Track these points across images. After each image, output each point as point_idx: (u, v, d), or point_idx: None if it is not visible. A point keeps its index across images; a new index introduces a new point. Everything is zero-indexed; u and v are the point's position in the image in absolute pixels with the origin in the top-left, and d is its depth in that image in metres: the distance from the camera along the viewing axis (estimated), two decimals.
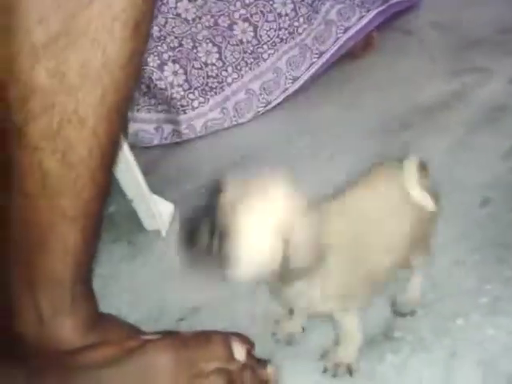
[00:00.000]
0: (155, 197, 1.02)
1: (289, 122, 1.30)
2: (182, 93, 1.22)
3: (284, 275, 0.61)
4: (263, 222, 0.59)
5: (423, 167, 0.72)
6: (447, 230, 0.90)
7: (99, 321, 0.69)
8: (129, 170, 0.96)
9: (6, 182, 0.60)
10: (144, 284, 0.94)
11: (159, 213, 1.01)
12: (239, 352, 0.67)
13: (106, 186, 0.66)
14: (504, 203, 0.93)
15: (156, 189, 1.05)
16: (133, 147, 1.20)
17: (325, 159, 1.15)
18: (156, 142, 1.27)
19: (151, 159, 1.23)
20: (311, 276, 0.64)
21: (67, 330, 0.65)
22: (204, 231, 0.60)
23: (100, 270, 0.97)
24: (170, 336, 0.66)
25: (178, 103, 1.23)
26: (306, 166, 1.15)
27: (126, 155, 0.95)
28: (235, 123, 1.29)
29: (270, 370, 0.70)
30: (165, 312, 0.86)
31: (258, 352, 0.71)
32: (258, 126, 1.30)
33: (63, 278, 0.64)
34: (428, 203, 0.70)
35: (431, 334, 0.73)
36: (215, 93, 1.25)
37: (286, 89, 1.31)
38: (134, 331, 0.71)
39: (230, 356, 0.66)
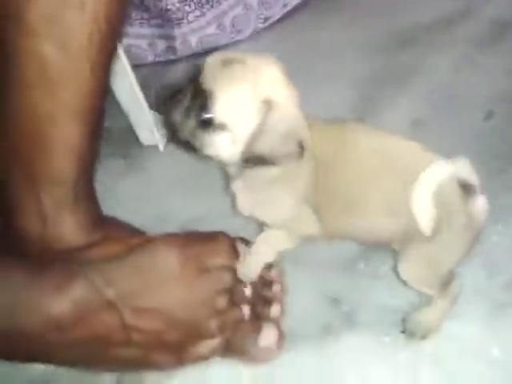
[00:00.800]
0: (153, 112, 0.99)
1: (288, 40, 1.25)
2: (178, 4, 1.16)
3: (247, 157, 0.57)
4: (243, 89, 0.56)
5: (467, 187, 0.56)
6: (451, 142, 0.89)
7: (102, 221, 0.68)
8: (125, 81, 0.93)
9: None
10: (141, 197, 0.93)
11: (157, 128, 0.99)
12: (244, 252, 0.67)
13: (106, 82, 0.64)
14: (507, 117, 0.92)
15: (151, 106, 1.02)
16: None
17: (323, 79, 1.12)
18: (150, 58, 1.22)
19: (145, 75, 1.18)
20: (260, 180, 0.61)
21: (70, 228, 0.64)
22: (186, 94, 0.58)
23: (96, 183, 0.96)
24: (174, 234, 0.65)
25: (173, 16, 1.17)
26: (302, 85, 1.11)
27: (123, 64, 0.91)
28: (232, 40, 1.24)
29: (274, 272, 0.71)
30: (165, 221, 0.85)
31: None
32: (255, 44, 1.25)
33: (66, 175, 0.63)
34: (422, 223, 0.55)
35: None
36: (212, 6, 1.19)
37: (286, 4, 1.26)
38: (137, 232, 0.70)
39: (235, 255, 0.65)
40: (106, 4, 0.56)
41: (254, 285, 0.67)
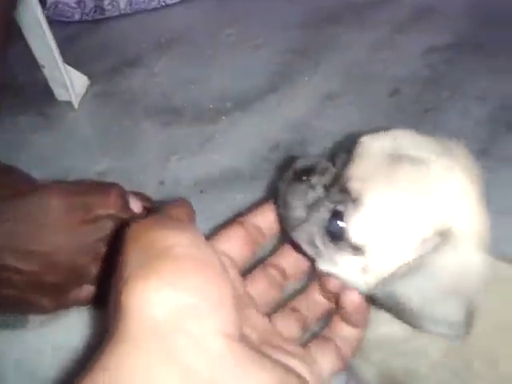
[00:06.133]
0: (69, 67, 0.98)
1: (219, 7, 1.26)
2: None
3: (378, 296, 0.38)
4: (409, 207, 0.36)
5: None
6: (357, 116, 0.94)
7: None
8: (40, 34, 0.91)
9: None
10: (53, 152, 0.93)
11: (72, 83, 0.98)
12: (135, 204, 0.68)
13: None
14: (412, 95, 0.96)
15: (73, 63, 1.01)
16: (51, 20, 1.14)
17: (251, 48, 1.14)
18: (77, 17, 1.21)
19: (71, 33, 1.17)
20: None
21: None
22: (319, 181, 0.40)
23: (7, 138, 0.95)
24: (65, 182, 0.66)
25: None
26: (231, 54, 1.13)
27: (37, 18, 0.89)
28: (163, 4, 1.24)
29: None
30: (73, 176, 0.85)
31: None
32: (186, 9, 1.25)
33: None
34: None
35: None
36: None
37: None
38: (28, 179, 0.70)
39: (125, 206, 0.66)
40: None
41: None
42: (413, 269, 0.36)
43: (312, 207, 0.39)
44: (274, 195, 0.41)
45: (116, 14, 1.21)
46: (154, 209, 0.73)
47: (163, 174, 0.84)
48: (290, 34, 1.15)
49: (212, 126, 0.94)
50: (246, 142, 0.90)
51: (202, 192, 0.82)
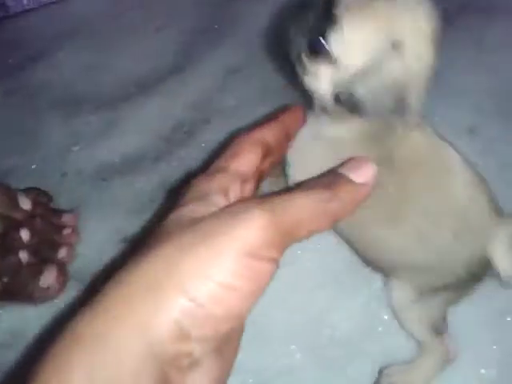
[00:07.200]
0: None
1: None
2: None
3: (342, 96, 0.49)
4: (376, 27, 0.47)
5: None
6: (260, 88, 0.95)
7: None
8: None
9: None
10: None
11: None
12: (24, 202, 0.69)
13: None
14: None
15: None
16: None
17: (153, 30, 1.13)
18: None
19: None
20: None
21: None
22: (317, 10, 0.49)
23: None
24: None
25: None
26: (133, 39, 1.12)
27: None
28: None
29: (67, 217, 0.74)
30: None
31: None
32: (91, 2, 1.24)
33: None
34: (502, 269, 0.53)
35: None
36: None
37: None
38: None
39: (14, 204, 0.67)
40: None
41: (40, 230, 0.70)
42: (368, 73, 0.47)
43: (304, 31, 0.49)
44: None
45: (20, 9, 1.19)
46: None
47: (65, 165, 0.85)
48: (193, 13, 1.15)
49: (114, 112, 0.94)
50: (148, 126, 0.91)
51: (104, 180, 0.83)
